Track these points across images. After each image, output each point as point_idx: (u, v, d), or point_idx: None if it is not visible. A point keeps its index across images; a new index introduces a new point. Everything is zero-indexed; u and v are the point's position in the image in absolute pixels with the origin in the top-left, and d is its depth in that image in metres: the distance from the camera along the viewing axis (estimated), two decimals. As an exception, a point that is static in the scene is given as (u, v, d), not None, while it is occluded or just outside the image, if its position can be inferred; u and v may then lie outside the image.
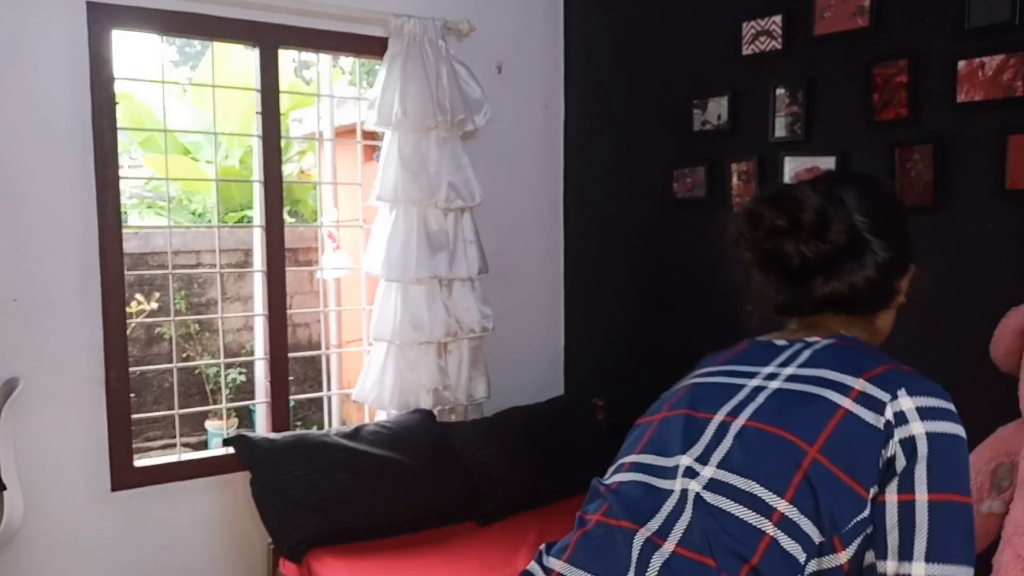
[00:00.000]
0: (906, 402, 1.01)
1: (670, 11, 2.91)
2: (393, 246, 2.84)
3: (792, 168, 2.49)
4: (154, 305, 5.31)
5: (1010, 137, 2.04)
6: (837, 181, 1.20)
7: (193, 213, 6.76)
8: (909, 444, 0.99)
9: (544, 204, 3.38)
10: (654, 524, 1.03)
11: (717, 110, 2.73)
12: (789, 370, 1.11)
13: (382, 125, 2.84)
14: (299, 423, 5.68)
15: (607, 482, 1.15)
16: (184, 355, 5.42)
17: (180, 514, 2.68)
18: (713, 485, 1.02)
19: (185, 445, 4.54)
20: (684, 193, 2.85)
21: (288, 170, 6.09)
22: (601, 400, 3.14)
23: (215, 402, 5.36)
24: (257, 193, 2.89)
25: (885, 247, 1.14)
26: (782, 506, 0.98)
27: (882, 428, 1.00)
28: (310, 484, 2.44)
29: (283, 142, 2.92)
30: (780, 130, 2.53)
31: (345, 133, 4.55)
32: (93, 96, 2.46)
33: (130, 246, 4.93)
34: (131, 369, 2.64)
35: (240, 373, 5.60)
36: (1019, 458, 1.82)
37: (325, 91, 4.64)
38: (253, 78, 2.79)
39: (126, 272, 2.58)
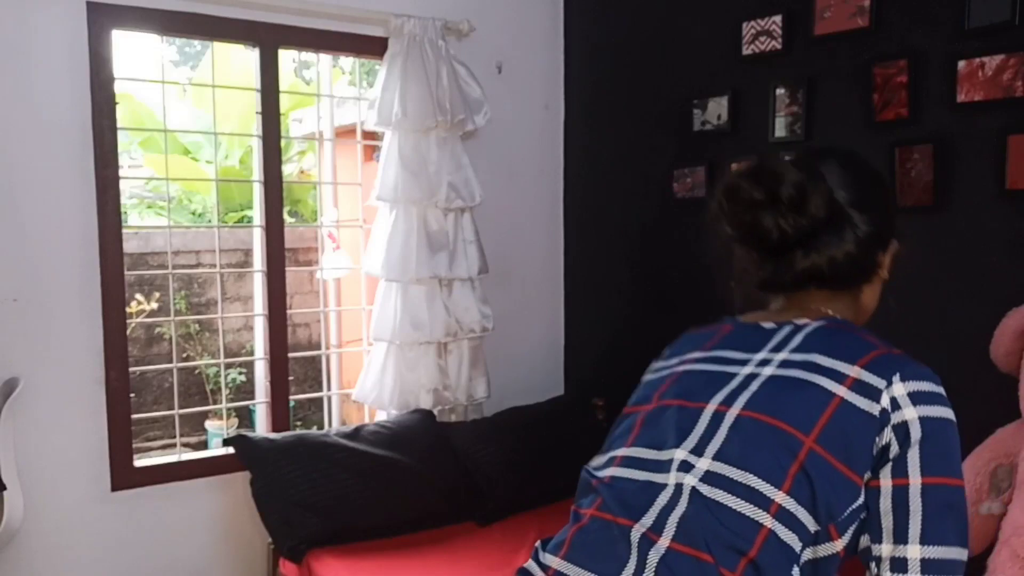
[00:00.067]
0: (899, 388, 1.01)
1: (670, 11, 2.91)
2: (393, 246, 2.84)
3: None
4: (154, 305, 5.31)
5: (1010, 137, 2.04)
6: (819, 156, 1.20)
7: (193, 213, 6.76)
8: (902, 429, 0.99)
9: (544, 204, 3.38)
10: (648, 519, 1.03)
11: (717, 110, 2.73)
12: (782, 355, 1.10)
13: (382, 125, 2.84)
14: (299, 423, 5.68)
15: (599, 475, 1.14)
16: (184, 355, 5.42)
17: (180, 514, 2.68)
18: (709, 477, 1.02)
19: (185, 445, 4.53)
20: (684, 193, 2.85)
21: (288, 170, 6.09)
22: (601, 400, 3.14)
23: (215, 402, 5.36)
24: (257, 193, 2.89)
25: (866, 221, 1.13)
26: (780, 498, 0.98)
27: (877, 415, 1.00)
28: (310, 484, 2.44)
29: (283, 142, 2.92)
30: (780, 130, 2.53)
31: (345, 133, 4.55)
32: (93, 96, 2.46)
33: (130, 246, 4.93)
34: (131, 369, 2.64)
35: (240, 373, 5.60)
36: (1018, 459, 1.82)
37: (325, 91, 4.64)
38: (253, 78, 2.79)
39: (126, 272, 2.58)
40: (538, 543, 1.16)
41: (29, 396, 2.39)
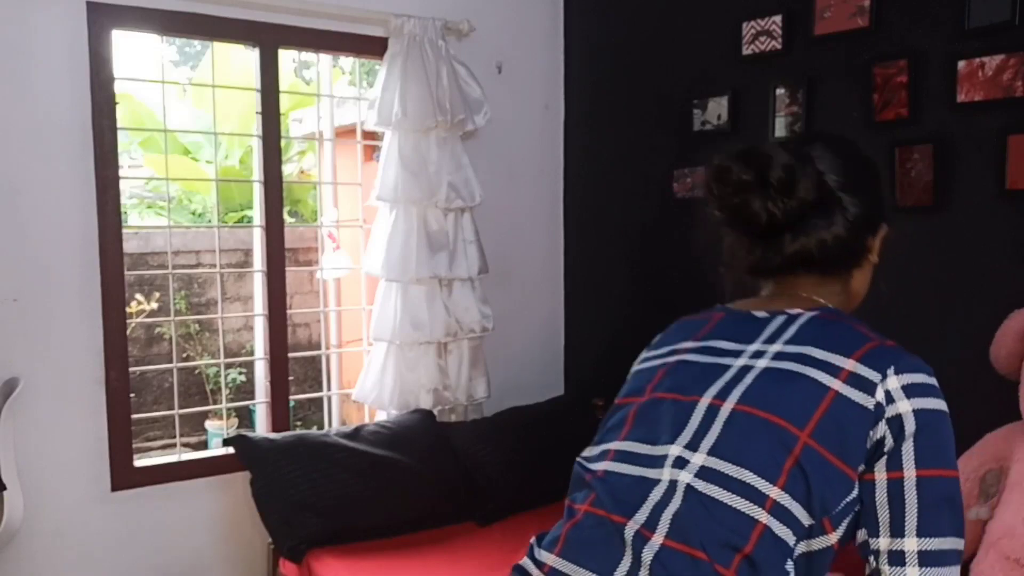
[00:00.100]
0: (894, 381, 1.01)
1: (670, 11, 2.91)
2: (393, 246, 2.84)
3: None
4: (154, 305, 5.31)
5: (1010, 137, 2.04)
6: (807, 140, 1.20)
7: (193, 213, 6.76)
8: (896, 423, 1.00)
9: (544, 204, 3.38)
10: (641, 516, 1.02)
11: (717, 110, 2.73)
12: (775, 347, 1.09)
13: (382, 125, 2.84)
14: (299, 423, 5.68)
15: (593, 468, 1.13)
16: (184, 355, 5.42)
17: (180, 514, 2.68)
18: (704, 473, 1.02)
19: (185, 445, 4.53)
20: (684, 193, 2.85)
21: (288, 170, 6.09)
22: (601, 400, 3.13)
23: (215, 402, 5.36)
24: (257, 193, 2.89)
25: (856, 204, 1.13)
26: (775, 493, 0.98)
27: (872, 409, 1.00)
28: (310, 484, 2.44)
29: (283, 142, 2.92)
30: (780, 130, 2.53)
31: (345, 133, 4.55)
32: (93, 96, 2.46)
33: (130, 246, 4.93)
34: (131, 369, 2.64)
35: (240, 373, 5.60)
36: (1010, 463, 1.80)
37: (325, 91, 4.64)
38: (253, 78, 2.79)
39: (126, 272, 2.58)
40: (533, 539, 1.15)
41: (29, 396, 2.39)
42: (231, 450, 2.63)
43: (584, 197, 3.33)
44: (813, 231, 1.12)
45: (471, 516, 2.64)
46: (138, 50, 6.11)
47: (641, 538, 1.01)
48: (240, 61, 5.30)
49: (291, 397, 2.94)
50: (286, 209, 3.52)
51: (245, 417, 5.44)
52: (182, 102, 6.65)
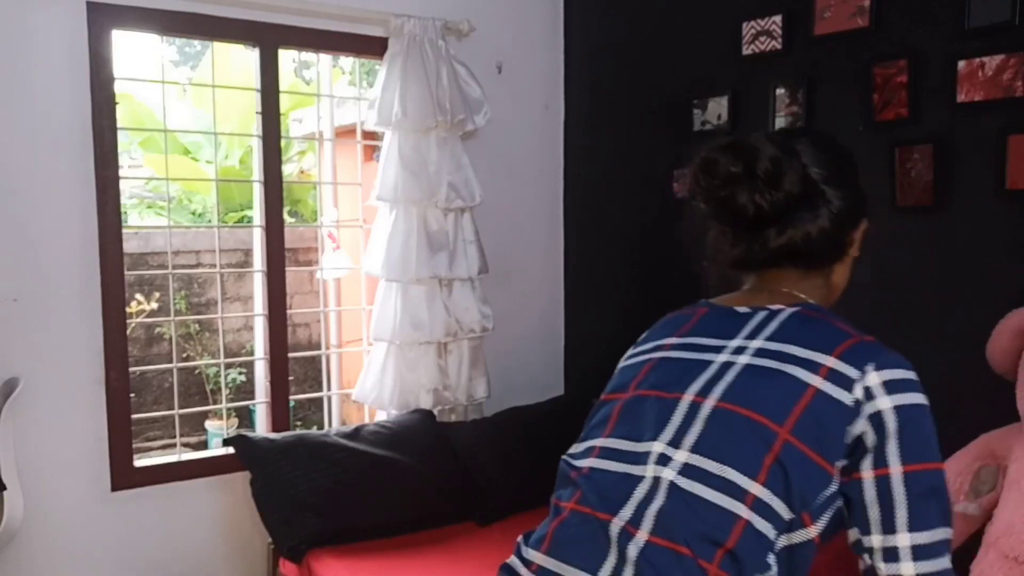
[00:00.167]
0: (874, 377, 1.02)
1: (670, 11, 2.91)
2: (393, 246, 2.84)
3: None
4: (154, 305, 5.31)
5: (1010, 137, 2.04)
6: (792, 135, 1.23)
7: (193, 213, 6.76)
8: (877, 419, 1.01)
9: (544, 204, 3.38)
10: (626, 512, 1.03)
11: (717, 110, 2.73)
12: (756, 343, 1.10)
13: (382, 125, 2.84)
14: (299, 423, 5.68)
15: (578, 465, 1.14)
16: (184, 355, 5.42)
17: (180, 514, 2.68)
18: (687, 470, 1.03)
19: (185, 445, 4.53)
20: (684, 193, 2.85)
21: (288, 170, 6.09)
22: (601, 400, 3.14)
23: (215, 402, 5.36)
24: (257, 193, 2.89)
25: (839, 197, 1.14)
26: (755, 489, 0.99)
27: (851, 405, 1.01)
28: (310, 484, 2.44)
29: (283, 142, 2.92)
30: (780, 130, 2.53)
31: (345, 133, 4.55)
32: (93, 96, 2.46)
33: (130, 246, 4.93)
34: (131, 369, 2.64)
35: (240, 373, 5.60)
36: (1007, 460, 1.80)
37: (325, 91, 4.64)
38: (253, 78, 2.79)
39: (126, 272, 2.58)
40: (520, 537, 1.16)
41: (29, 396, 2.39)
42: (231, 450, 2.63)
43: (584, 197, 3.33)
44: (799, 224, 1.13)
45: (471, 516, 2.64)
46: (138, 50, 6.12)
47: (626, 535, 1.02)
48: (240, 61, 5.31)
49: (291, 397, 2.94)
50: (286, 209, 3.52)
51: (245, 417, 5.45)
52: (182, 102, 6.65)
